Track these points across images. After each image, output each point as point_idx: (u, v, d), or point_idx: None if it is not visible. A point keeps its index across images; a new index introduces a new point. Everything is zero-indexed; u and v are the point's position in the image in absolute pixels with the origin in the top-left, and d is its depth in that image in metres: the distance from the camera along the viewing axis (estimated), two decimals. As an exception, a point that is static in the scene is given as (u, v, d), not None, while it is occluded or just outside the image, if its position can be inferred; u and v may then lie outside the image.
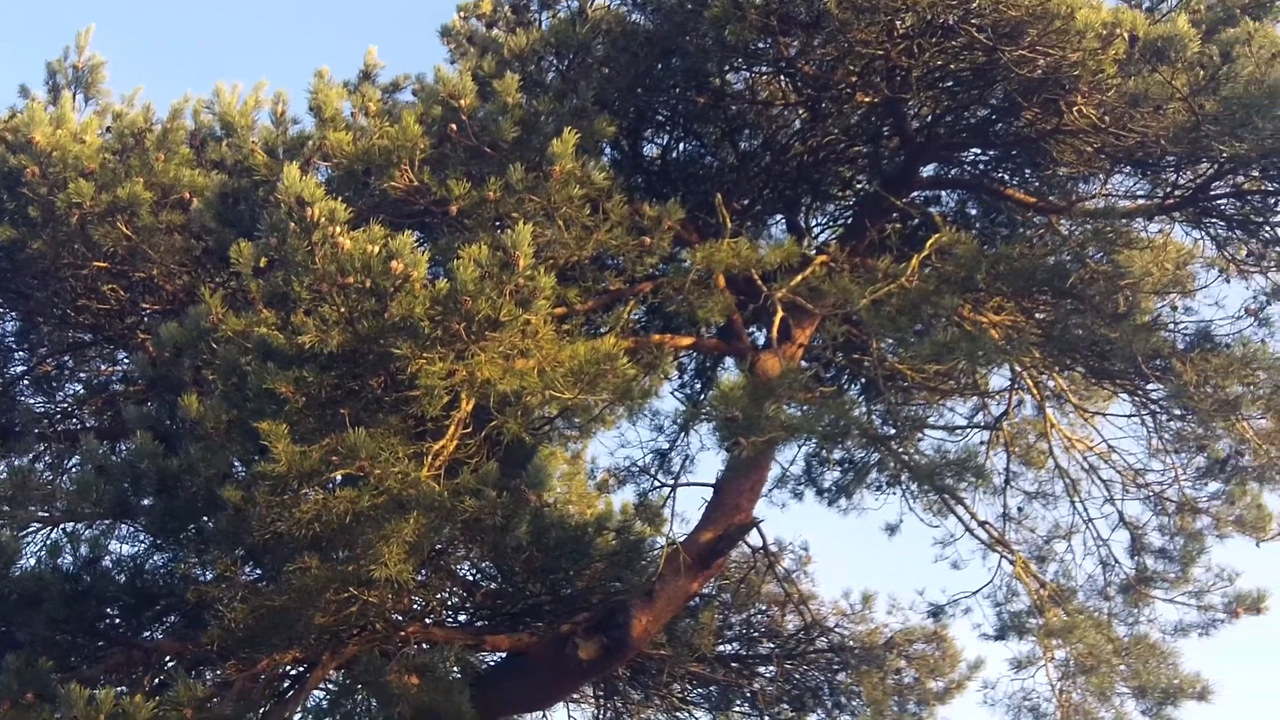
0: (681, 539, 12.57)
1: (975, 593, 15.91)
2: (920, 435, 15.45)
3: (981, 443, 16.29)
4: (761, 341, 14.00)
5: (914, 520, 17.46)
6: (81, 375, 14.34)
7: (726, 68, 13.76)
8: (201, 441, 9.69)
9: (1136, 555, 15.32)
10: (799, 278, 12.60)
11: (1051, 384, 15.80)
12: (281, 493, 9.48)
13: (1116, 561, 15.50)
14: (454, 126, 10.69)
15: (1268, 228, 13.18)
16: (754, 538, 14.53)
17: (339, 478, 9.76)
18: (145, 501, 10.52)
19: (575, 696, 15.93)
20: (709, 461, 29.99)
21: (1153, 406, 14.12)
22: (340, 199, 8.72)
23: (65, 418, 14.06)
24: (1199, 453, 14.09)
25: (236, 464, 10.15)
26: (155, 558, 11.75)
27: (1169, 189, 13.13)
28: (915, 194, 15.30)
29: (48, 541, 11.28)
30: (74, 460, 13.21)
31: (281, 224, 8.68)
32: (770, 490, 17.56)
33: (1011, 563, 15.51)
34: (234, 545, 10.52)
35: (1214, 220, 13.56)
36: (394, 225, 9.36)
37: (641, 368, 12.22)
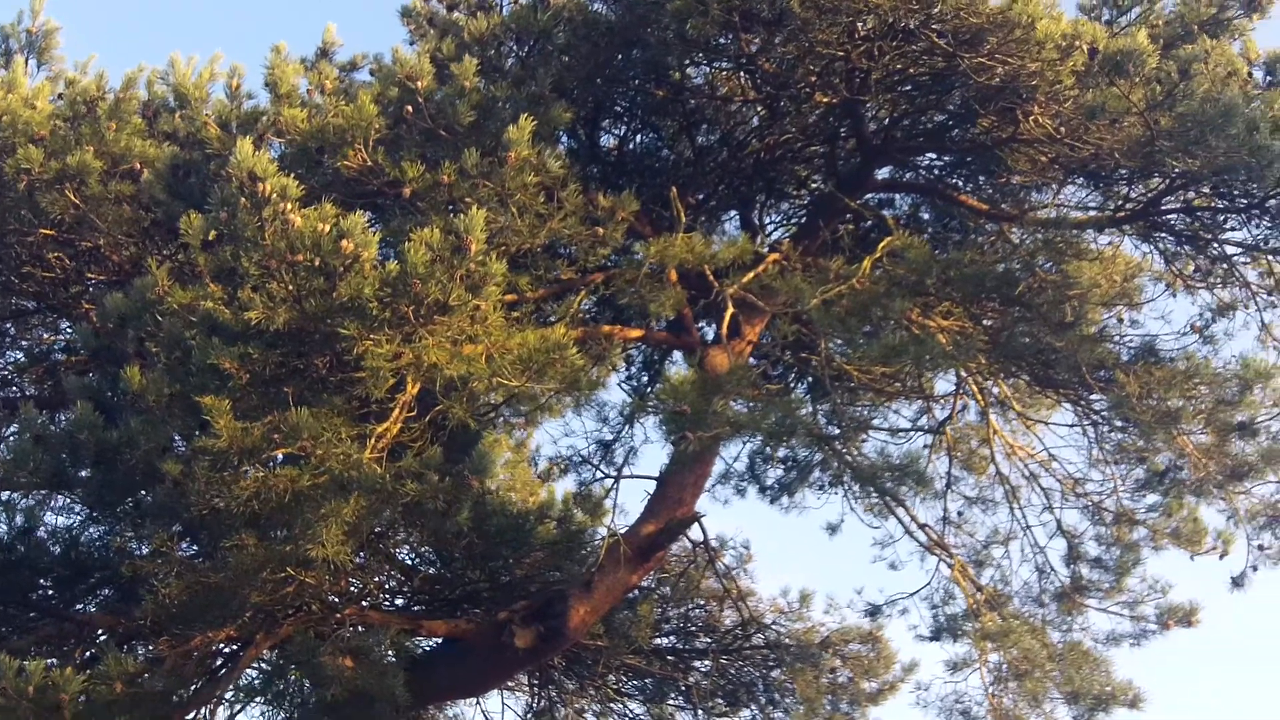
0: (623, 531, 12.56)
1: (913, 594, 15.99)
2: (864, 436, 15.53)
3: (925, 446, 16.37)
4: (711, 337, 14.01)
5: (855, 520, 17.51)
6: (23, 343, 14.18)
7: (687, 62, 13.76)
8: (142, 414, 9.62)
9: (1072, 563, 15.42)
10: (751, 275, 12.61)
11: (996, 391, 15.88)
12: (221, 469, 9.41)
13: (1053, 569, 15.63)
14: (410, 108, 10.63)
15: (1216, 244, 13.31)
16: (695, 532, 14.54)
17: (280, 456, 9.69)
18: (83, 473, 10.43)
19: (510, 684, 15.88)
20: (653, 454, 30.09)
21: (1095, 417, 14.24)
22: (293, 176, 8.66)
23: (4, 385, 13.91)
24: (1138, 465, 14.23)
25: (177, 438, 10.07)
26: (91, 530, 11.68)
27: (1120, 202, 13.23)
28: (869, 196, 15.35)
29: (-18, 510, 11.20)
30: (11, 429, 13.06)
31: (232, 198, 8.61)
32: (713, 485, 17.61)
33: (950, 566, 15.59)
34: (171, 520, 10.45)
35: (1163, 235, 13.68)
36: (346, 205, 9.31)
37: (590, 358, 12.19)
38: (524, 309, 11.88)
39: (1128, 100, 11.14)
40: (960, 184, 15.23)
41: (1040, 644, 14.62)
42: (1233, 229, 12.97)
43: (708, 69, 14.40)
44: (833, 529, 17.27)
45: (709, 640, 16.47)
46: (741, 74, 14.31)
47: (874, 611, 16.26)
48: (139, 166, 11.64)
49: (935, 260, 12.52)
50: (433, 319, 9.10)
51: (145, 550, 10.85)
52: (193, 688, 11.37)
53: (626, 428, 17.19)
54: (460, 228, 8.69)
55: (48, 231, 11.92)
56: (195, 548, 11.26)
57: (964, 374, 15.27)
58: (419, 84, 10.59)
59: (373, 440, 9.65)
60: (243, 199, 8.51)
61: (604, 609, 12.62)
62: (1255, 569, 13.87)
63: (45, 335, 14.28)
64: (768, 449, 17.52)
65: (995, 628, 14.60)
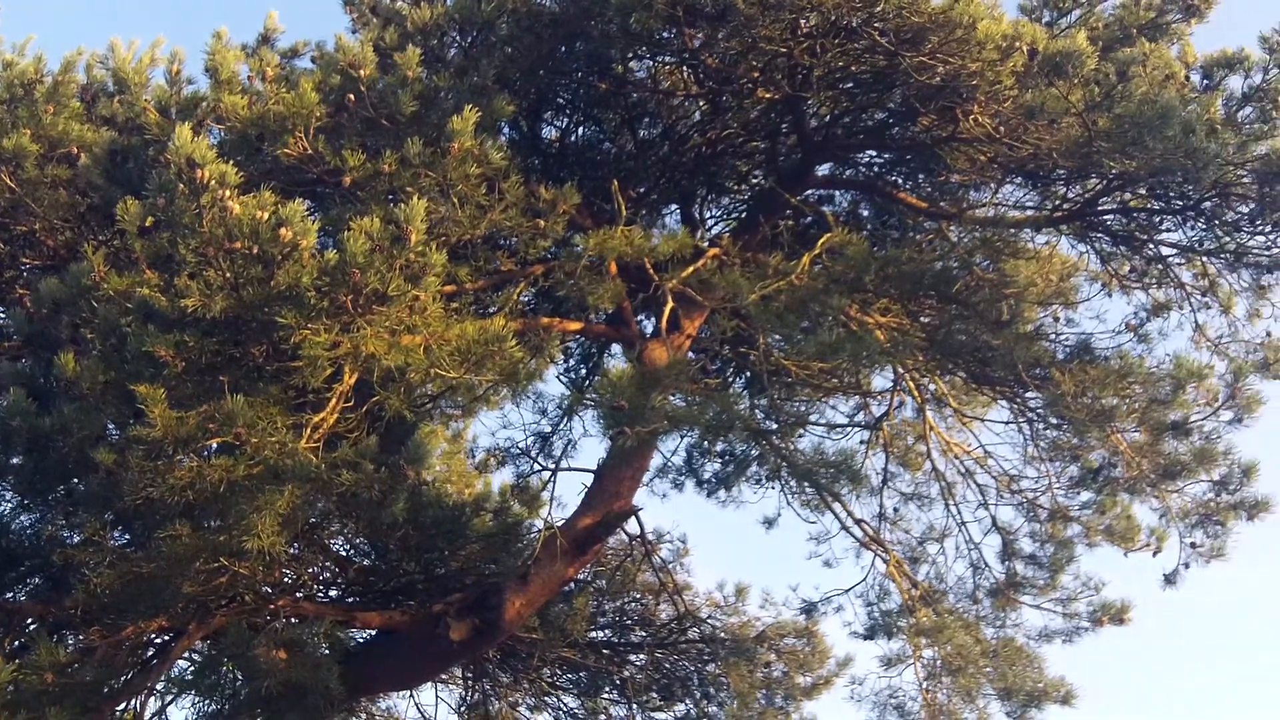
0: (560, 524, 12.56)
1: (849, 590, 16.06)
2: (801, 432, 15.55)
3: (861, 442, 16.44)
4: (650, 330, 14.02)
5: (792, 515, 17.57)
6: (-45, 328, 14.03)
7: (630, 55, 13.76)
8: (76, 401, 9.53)
9: (1007, 560, 15.53)
10: (690, 269, 12.62)
11: (932, 387, 15.95)
12: (156, 458, 9.34)
13: (987, 565, 15.73)
14: (352, 97, 10.58)
15: (1151, 245, 13.44)
16: (632, 526, 14.55)
17: (215, 445, 9.63)
18: (14, 460, 10.34)
19: (444, 677, 15.85)
20: (591, 447, 30.01)
21: (1030, 414, 14.34)
22: (232, 163, 8.60)
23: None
24: (1073, 462, 14.34)
25: (111, 426, 9.99)
26: (22, 518, 11.56)
27: (1058, 202, 13.33)
28: (810, 192, 15.39)
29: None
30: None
31: (170, 185, 8.54)
32: (651, 479, 17.64)
33: (885, 562, 15.67)
34: (104, 509, 10.37)
35: (1100, 235, 13.80)
36: (285, 193, 9.28)
37: (528, 350, 12.17)
38: (463, 300, 11.85)
39: (1066, 101, 11.23)
40: (900, 182, 15.31)
41: (974, 640, 14.71)
42: (1168, 230, 13.11)
43: (651, 63, 14.40)
44: (769, 523, 17.37)
45: (644, 634, 16.48)
46: (684, 68, 14.31)
47: (809, 609, 16.31)
48: (76, 151, 11.54)
49: (874, 257, 12.57)
50: (371, 309, 9.07)
51: (77, 539, 10.77)
52: (124, 678, 11.29)
53: (565, 421, 17.20)
54: (400, 217, 8.66)
55: (-19, 215, 11.80)
56: (128, 537, 11.18)
57: (901, 370, 15.34)
58: (361, 72, 10.54)
59: (309, 430, 9.60)
60: (181, 185, 8.44)
61: (540, 602, 12.60)
62: (1187, 567, 14.00)
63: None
64: (705, 443, 17.55)
65: (930, 624, 14.68)
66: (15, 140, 11.15)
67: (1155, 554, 13.94)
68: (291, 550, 11.71)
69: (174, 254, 8.84)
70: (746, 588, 16.58)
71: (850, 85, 13.48)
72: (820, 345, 11.24)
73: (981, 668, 14.60)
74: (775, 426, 14.99)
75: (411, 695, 15.92)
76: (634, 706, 16.45)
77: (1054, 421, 13.79)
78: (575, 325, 14.02)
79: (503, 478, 17.20)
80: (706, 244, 14.25)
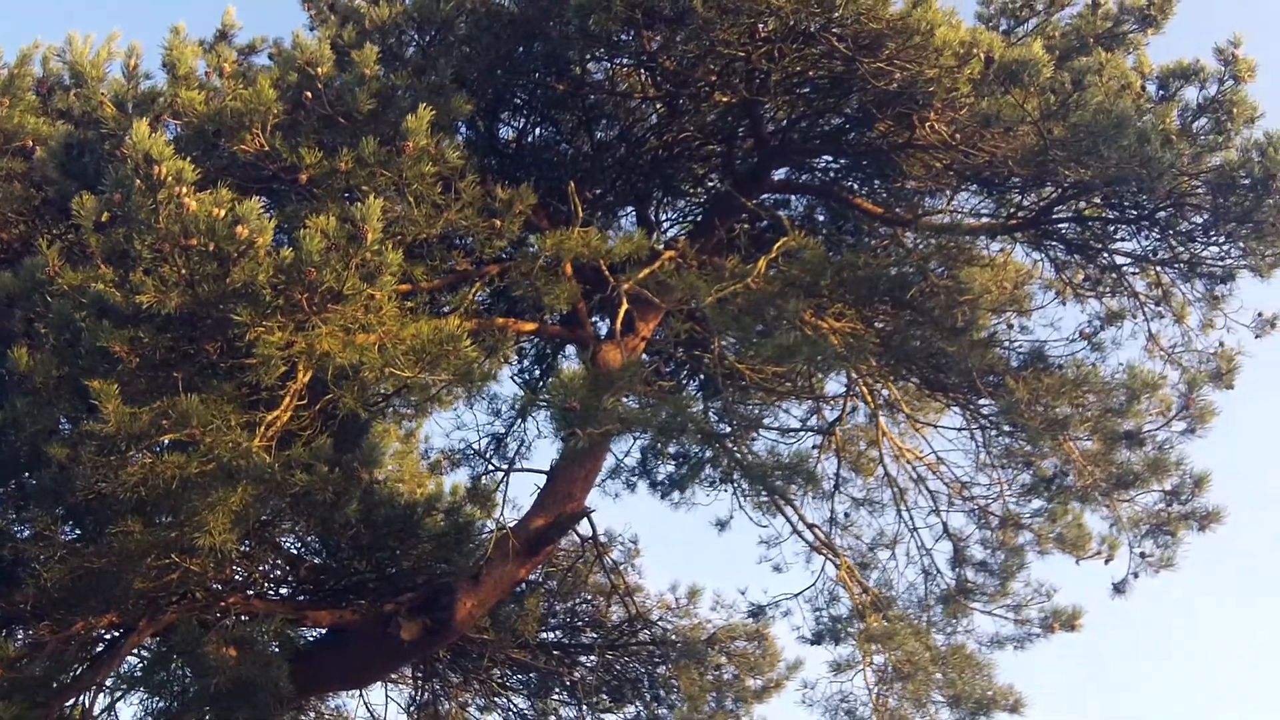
0: (512, 524, 12.58)
1: (799, 594, 16.08)
2: (755, 435, 15.59)
3: (814, 446, 16.46)
4: (604, 332, 14.03)
5: (744, 518, 17.58)
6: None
7: (588, 57, 13.76)
8: (29, 396, 9.49)
9: (958, 567, 15.57)
10: (646, 271, 12.63)
11: (886, 393, 16.00)
12: (108, 453, 9.31)
13: (938, 571, 15.75)
14: (309, 94, 10.54)
15: (1106, 254, 13.53)
16: (584, 527, 14.54)
17: (168, 442, 9.60)
18: (-35, 454, 10.28)
19: (394, 677, 15.84)
20: (544, 448, 29.97)
21: (983, 421, 14.39)
22: (188, 159, 8.57)
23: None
24: (1025, 470, 14.39)
25: (64, 421, 9.94)
26: (-28, 512, 11.49)
27: (1013, 209, 13.41)
28: (766, 196, 15.43)
29: None
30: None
31: (127, 180, 8.51)
32: (604, 480, 17.63)
33: (836, 567, 15.69)
34: (56, 503, 10.33)
35: (1054, 243, 13.89)
36: (242, 189, 9.24)
37: (483, 350, 12.17)
38: (418, 299, 11.82)
39: (1022, 109, 11.30)
40: (856, 187, 15.38)
41: (924, 646, 14.74)
42: (1122, 239, 13.21)
43: (608, 64, 14.41)
44: (722, 525, 17.37)
45: (595, 635, 16.50)
46: (642, 71, 14.32)
47: (757, 613, 16.34)
48: (31, 144, 11.49)
49: (829, 262, 12.61)
50: (326, 307, 9.05)
51: (28, 533, 10.71)
52: (73, 674, 11.24)
53: (518, 421, 17.18)
54: (357, 216, 8.66)
55: (-66, 208, 11.72)
56: (79, 532, 11.12)
57: (855, 375, 15.37)
58: (319, 70, 10.50)
59: (262, 428, 9.58)
60: (137, 181, 8.41)
61: (491, 602, 12.61)
62: (1137, 576, 14.08)
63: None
64: (659, 445, 17.56)
65: (880, 630, 14.70)
66: (-31, 133, 11.10)
67: (1107, 562, 14.04)
68: (243, 547, 11.68)
69: (129, 249, 8.80)
70: (699, 590, 16.62)
71: (807, 90, 13.52)
72: (777, 347, 11.28)
73: (931, 674, 14.63)
74: (729, 429, 15.00)
75: (361, 694, 15.92)
76: (584, 708, 16.47)
77: (1007, 429, 13.84)
78: (530, 326, 14.02)
79: (456, 478, 17.21)
80: (663, 246, 14.26)
